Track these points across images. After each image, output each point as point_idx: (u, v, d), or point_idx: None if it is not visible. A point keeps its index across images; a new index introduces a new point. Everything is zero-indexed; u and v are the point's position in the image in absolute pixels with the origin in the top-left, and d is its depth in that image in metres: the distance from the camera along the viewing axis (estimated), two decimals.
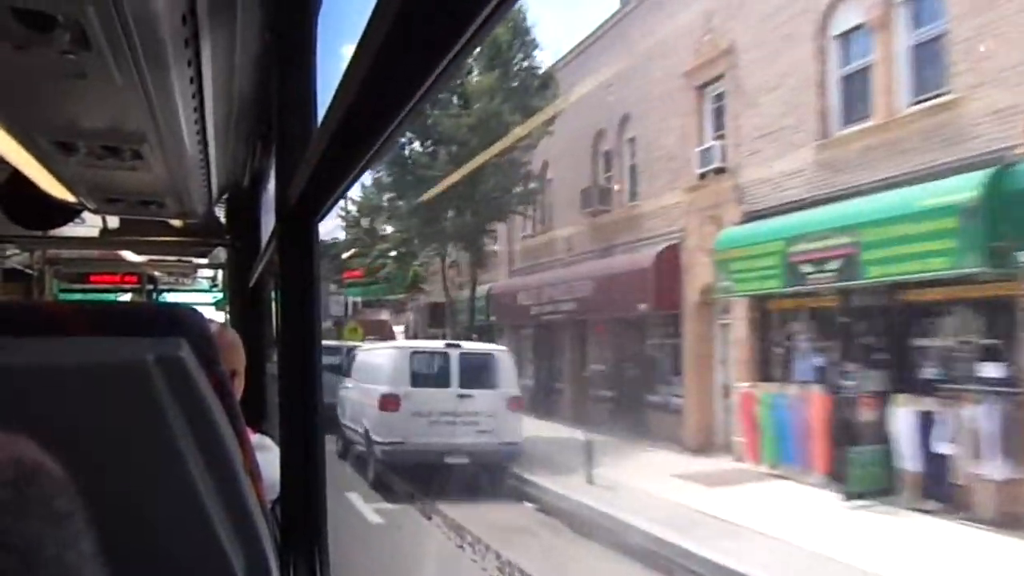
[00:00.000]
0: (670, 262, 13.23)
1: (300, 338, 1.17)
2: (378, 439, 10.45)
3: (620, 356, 15.37)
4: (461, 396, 10.59)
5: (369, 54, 0.61)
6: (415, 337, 23.32)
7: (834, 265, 9.33)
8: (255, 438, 1.39)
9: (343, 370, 13.60)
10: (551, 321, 17.14)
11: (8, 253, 4.32)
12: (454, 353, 10.96)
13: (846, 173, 9.72)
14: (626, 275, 13.92)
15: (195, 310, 0.89)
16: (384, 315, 28.42)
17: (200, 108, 1.57)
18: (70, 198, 2.37)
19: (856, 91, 9.97)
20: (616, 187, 16.06)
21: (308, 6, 1.20)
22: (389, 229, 20.78)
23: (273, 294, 2.53)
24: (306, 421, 1.13)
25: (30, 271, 4.88)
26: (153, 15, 1.09)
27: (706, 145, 12.60)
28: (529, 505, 9.57)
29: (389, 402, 10.50)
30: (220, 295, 7.46)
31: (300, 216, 1.16)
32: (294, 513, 1.12)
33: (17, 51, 1.13)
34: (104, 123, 1.53)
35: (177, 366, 0.78)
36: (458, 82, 16.26)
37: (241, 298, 3.05)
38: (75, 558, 0.45)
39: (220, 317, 5.49)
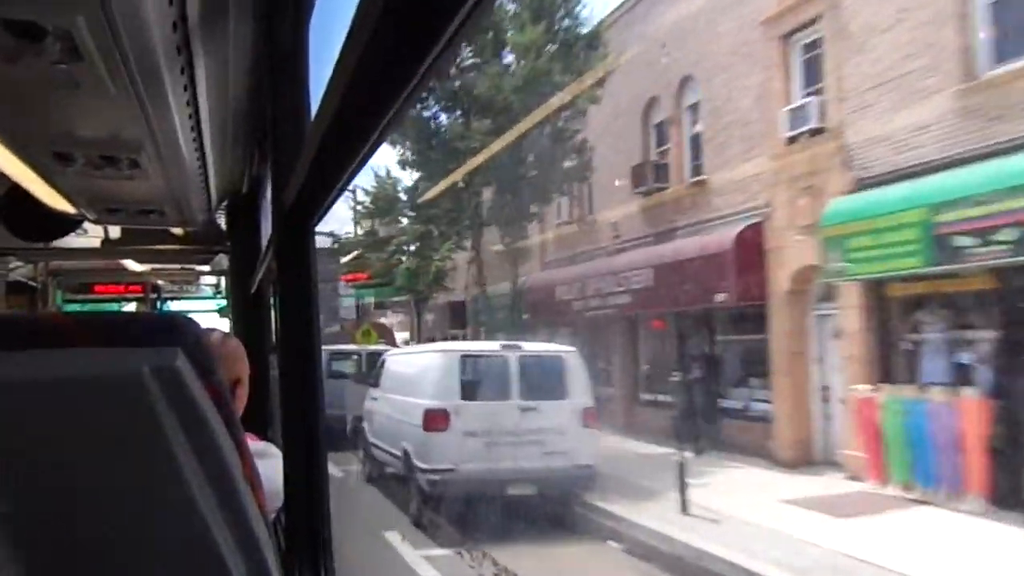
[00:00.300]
0: (752, 244, 13.04)
1: (300, 343, 1.41)
2: (423, 465, 10.11)
3: (683, 355, 15.40)
4: (524, 409, 10.21)
5: (354, 57, 0.74)
6: (431, 341, 23.75)
7: (1009, 235, 8.82)
8: (259, 445, 1.63)
9: (371, 379, 13.48)
10: (597, 317, 17.34)
11: (11, 266, 4.82)
12: (513, 356, 10.55)
13: (1007, 121, 9.32)
14: (697, 261, 13.80)
15: (191, 319, 1.08)
16: (395, 317, 29.03)
17: (195, 115, 1.84)
18: (70, 209, 2.73)
19: (1014, 19, 9.51)
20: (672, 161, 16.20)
21: (300, 12, 1.43)
22: (405, 221, 21.29)
23: (273, 300, 2.84)
24: (308, 427, 1.35)
25: (34, 283, 5.43)
26: (143, 22, 1.32)
27: (797, 103, 12.45)
28: (615, 545, 9.30)
29: (435, 419, 10.10)
30: (223, 302, 8.01)
31: (296, 221, 1.40)
32: (298, 520, 1.34)
33: (8, 63, 1.36)
34: (100, 133, 1.80)
35: (173, 376, 0.94)
36: (489, 31, 16.30)
37: (243, 304, 3.44)
38: None
39: (224, 324, 5.96)
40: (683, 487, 9.66)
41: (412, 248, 21.36)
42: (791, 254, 12.43)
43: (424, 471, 10.08)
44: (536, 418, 10.14)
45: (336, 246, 24.85)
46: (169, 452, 0.94)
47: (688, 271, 13.90)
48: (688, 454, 11.45)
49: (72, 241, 3.72)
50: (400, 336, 26.22)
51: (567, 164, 18.13)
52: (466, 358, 10.82)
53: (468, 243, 19.34)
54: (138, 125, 1.72)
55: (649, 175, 16.40)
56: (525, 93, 16.42)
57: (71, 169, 2.04)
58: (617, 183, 16.84)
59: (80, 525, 0.96)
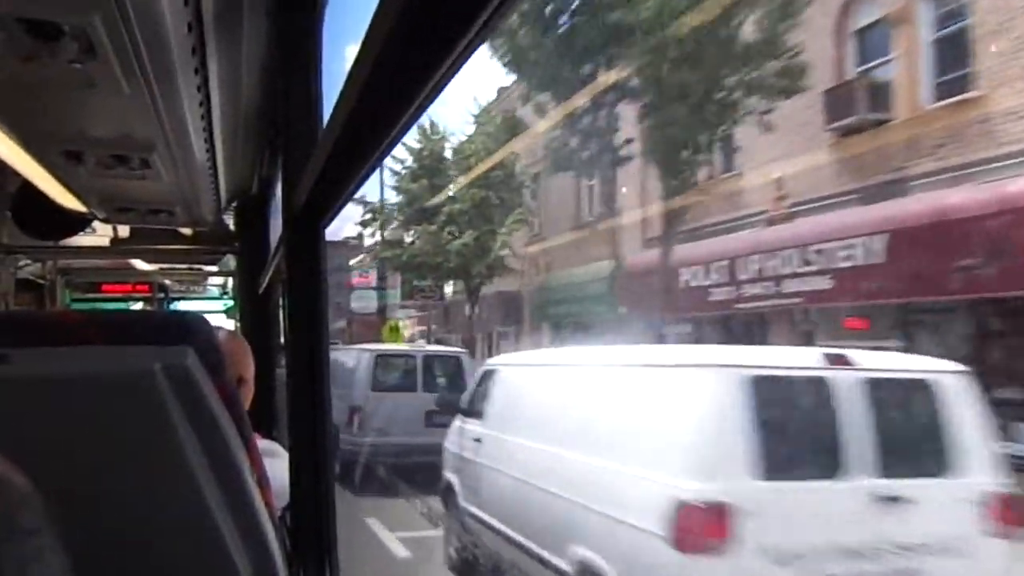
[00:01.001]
0: None
1: (308, 343, 1.39)
2: None
3: None
4: (883, 499, 4.70)
5: (370, 57, 0.73)
6: (472, 346, 19.23)
7: None
8: (264, 444, 1.60)
9: (467, 407, 7.75)
10: (753, 311, 12.62)
11: (20, 264, 4.80)
12: (847, 381, 4.88)
13: None
14: (1004, 218, 8.93)
15: (202, 317, 1.07)
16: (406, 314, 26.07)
17: (207, 115, 1.83)
18: (80, 208, 2.71)
19: None
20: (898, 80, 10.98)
21: (313, 12, 1.42)
22: (453, 189, 17.66)
23: (281, 300, 2.81)
24: (315, 427, 1.33)
25: (42, 281, 5.40)
26: (158, 23, 1.31)
27: None
28: None
29: (702, 527, 4.47)
30: (231, 302, 8.03)
31: (306, 221, 1.38)
32: (304, 520, 1.32)
33: (25, 62, 1.36)
34: (113, 132, 1.80)
35: (183, 374, 0.94)
36: None
37: (251, 305, 3.43)
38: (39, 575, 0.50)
39: (230, 324, 5.95)
40: None
41: (466, 220, 17.26)
42: None
43: None
44: (906, 517, 4.73)
45: (369, 216, 21.16)
46: (179, 450, 0.94)
47: (975, 237, 8.96)
48: None
49: (81, 240, 3.72)
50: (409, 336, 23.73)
51: (766, 68, 11.80)
52: (760, 383, 4.73)
53: (612, 185, 14.47)
54: (150, 125, 1.71)
55: (859, 101, 11.27)
56: None
57: (83, 168, 2.04)
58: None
59: (89, 521, 0.93)
